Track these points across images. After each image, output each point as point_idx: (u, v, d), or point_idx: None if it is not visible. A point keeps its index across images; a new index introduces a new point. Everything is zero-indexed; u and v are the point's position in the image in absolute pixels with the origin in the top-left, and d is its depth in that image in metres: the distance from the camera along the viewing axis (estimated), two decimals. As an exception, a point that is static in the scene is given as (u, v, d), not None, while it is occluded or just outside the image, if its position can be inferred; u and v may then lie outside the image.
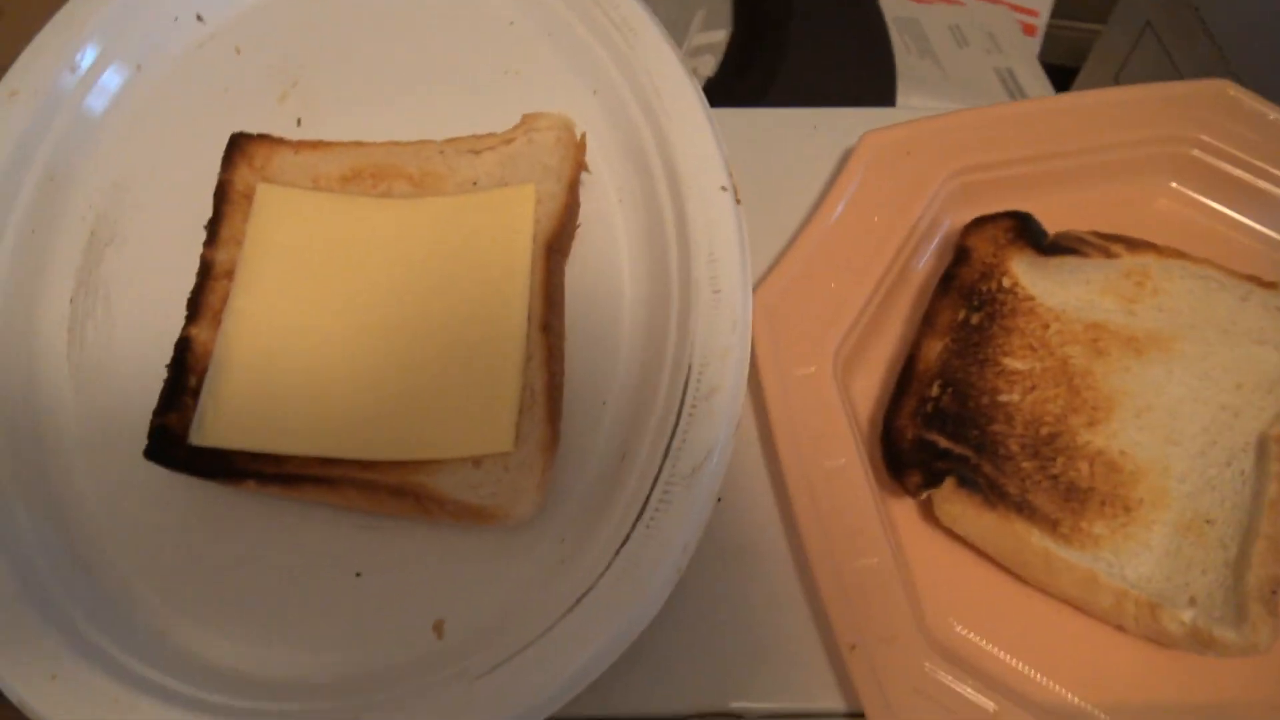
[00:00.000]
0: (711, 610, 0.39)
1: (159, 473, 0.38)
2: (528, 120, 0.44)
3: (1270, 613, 0.34)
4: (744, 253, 0.40)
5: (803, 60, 0.71)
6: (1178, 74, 0.66)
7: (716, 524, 0.40)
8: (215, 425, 0.38)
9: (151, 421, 0.38)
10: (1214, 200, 0.46)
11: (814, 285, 0.42)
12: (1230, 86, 0.46)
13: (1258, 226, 0.46)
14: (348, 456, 0.37)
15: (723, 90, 0.70)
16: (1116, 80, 0.73)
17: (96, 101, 0.45)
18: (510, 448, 0.37)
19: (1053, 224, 0.44)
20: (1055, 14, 0.88)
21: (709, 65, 0.73)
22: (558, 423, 0.38)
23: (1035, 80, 0.81)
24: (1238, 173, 0.45)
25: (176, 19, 0.47)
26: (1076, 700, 0.37)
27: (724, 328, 0.39)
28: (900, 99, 0.74)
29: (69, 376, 0.41)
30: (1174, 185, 0.47)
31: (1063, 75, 0.83)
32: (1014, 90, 0.80)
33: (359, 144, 0.44)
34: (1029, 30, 0.88)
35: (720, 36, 0.74)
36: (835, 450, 0.38)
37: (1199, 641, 0.34)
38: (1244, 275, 0.42)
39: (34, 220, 0.43)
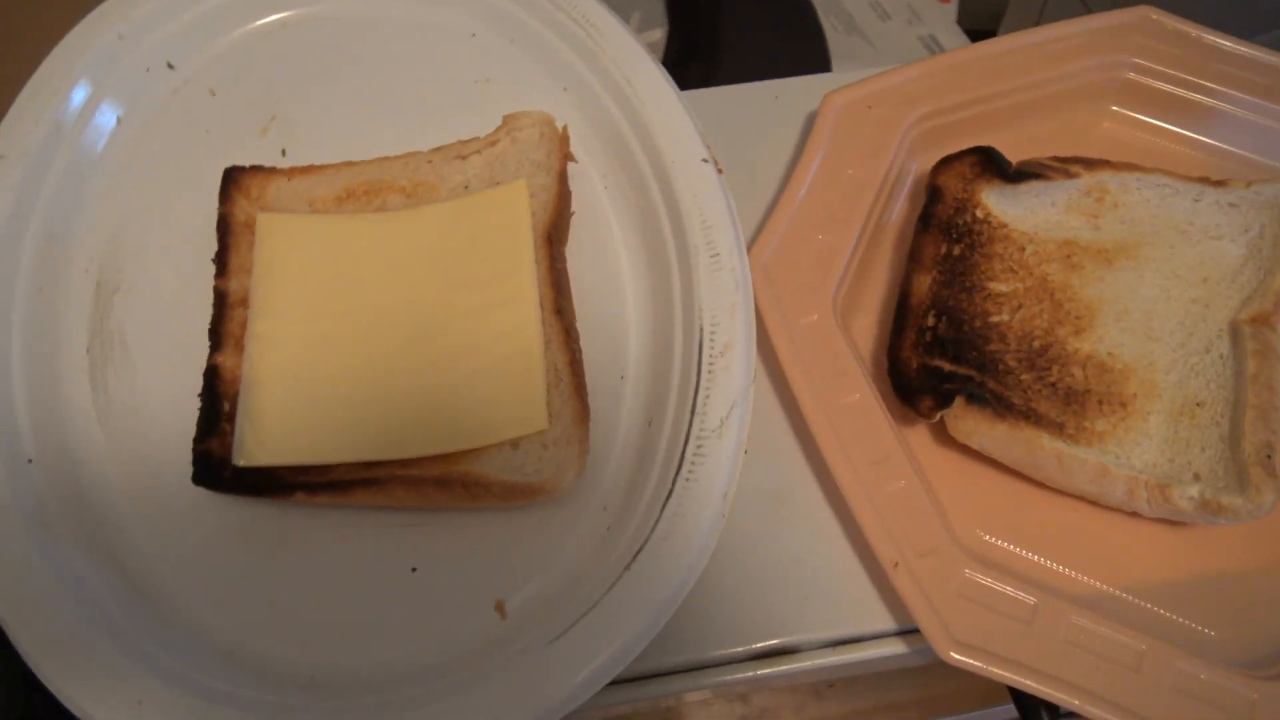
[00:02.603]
0: (755, 554, 0.41)
1: (205, 499, 0.39)
2: (509, 120, 0.46)
3: (1269, 474, 0.37)
4: (733, 217, 0.42)
5: (739, 49, 0.74)
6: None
7: (746, 473, 0.42)
8: (257, 444, 0.39)
9: (194, 449, 0.39)
10: (1153, 117, 0.49)
11: (803, 240, 0.44)
12: (1152, 11, 0.49)
13: (1196, 136, 0.49)
14: (391, 457, 0.39)
15: (668, 85, 0.73)
16: (1035, 30, 0.77)
17: (83, 156, 0.46)
18: (545, 425, 0.39)
19: (1012, 156, 0.47)
20: (966, -21, 0.92)
21: (651, 64, 0.75)
22: (585, 396, 0.40)
23: (958, 43, 0.85)
24: (1170, 88, 0.48)
25: (149, 69, 0.48)
26: (1104, 586, 0.39)
27: (727, 287, 0.41)
28: (834, 77, 0.77)
29: (97, 423, 0.41)
30: (1115, 108, 0.50)
31: (981, 38, 0.87)
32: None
33: (349, 164, 0.46)
34: (944, -2, 0.92)
35: (658, 35, 0.76)
36: (848, 388, 0.41)
37: (1209, 512, 0.37)
38: (1194, 178, 0.45)
39: (40, 279, 0.43)
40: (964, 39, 0.86)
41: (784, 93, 0.51)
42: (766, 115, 0.51)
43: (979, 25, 0.91)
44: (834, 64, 0.78)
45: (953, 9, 0.92)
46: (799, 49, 0.76)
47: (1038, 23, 0.77)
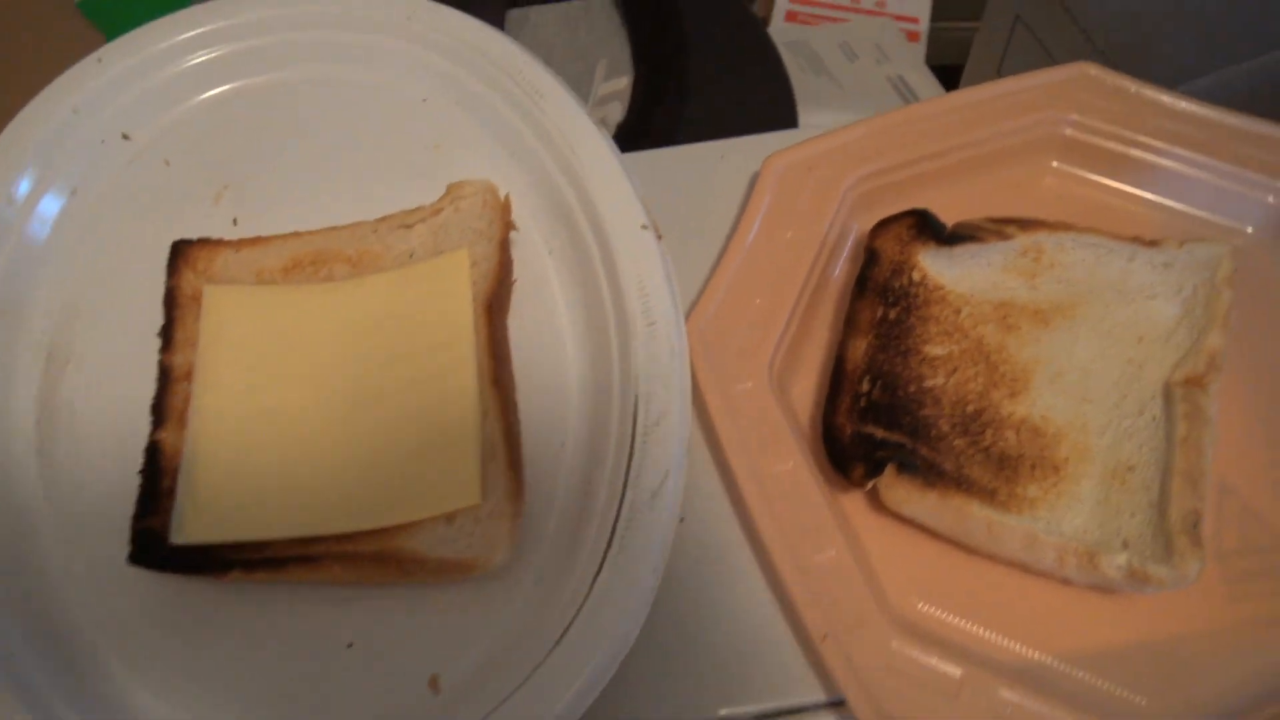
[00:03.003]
0: (691, 623, 0.41)
1: (145, 576, 0.39)
2: (453, 189, 0.46)
3: (1194, 543, 0.37)
4: (671, 283, 0.43)
5: (705, 94, 0.75)
6: (1051, 60, 0.71)
7: (682, 542, 0.42)
8: (194, 522, 0.39)
9: (132, 527, 0.39)
10: (1093, 173, 0.50)
11: (741, 305, 0.44)
12: (1091, 67, 0.50)
13: (1136, 191, 0.49)
14: (326, 532, 0.39)
15: (635, 133, 0.73)
16: (999, 72, 0.78)
17: (37, 229, 0.47)
18: (479, 500, 0.39)
19: (953, 215, 0.47)
20: (934, 17, 0.93)
21: (617, 111, 0.76)
22: (520, 470, 0.40)
23: (925, 82, 0.86)
24: (1109, 144, 0.49)
25: (104, 141, 0.49)
26: (1036, 654, 0.39)
27: (663, 356, 0.41)
28: (803, 118, 0.78)
29: (43, 497, 0.42)
30: (1055, 164, 0.50)
31: (950, 73, 0.88)
32: (907, 95, 0.84)
33: (296, 234, 0.46)
34: (913, 37, 0.92)
35: (624, 83, 0.77)
36: (782, 455, 0.41)
37: (1136, 580, 0.37)
38: (1128, 237, 0.45)
39: (-9, 351, 0.44)
40: (931, 78, 0.86)
41: (729, 152, 0.52)
42: (713, 176, 0.51)
43: (947, 60, 0.92)
44: (801, 107, 0.78)
45: (921, 48, 0.93)
46: (765, 96, 0.77)
47: (1000, 60, 0.78)
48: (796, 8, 0.96)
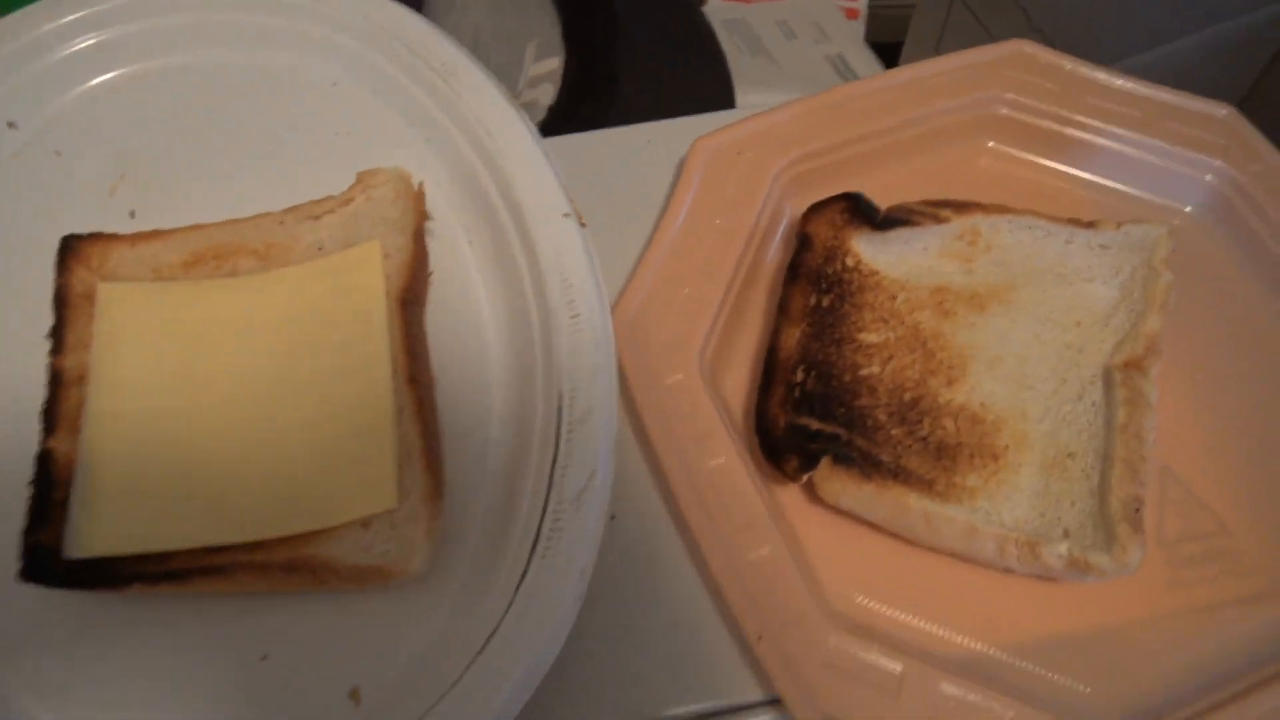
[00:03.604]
0: (622, 626, 0.39)
1: (38, 593, 0.37)
2: (363, 178, 0.44)
3: (1135, 530, 0.36)
4: (595, 274, 0.41)
5: (637, 76, 0.73)
6: (990, 38, 0.70)
7: (614, 542, 0.41)
8: (90, 534, 0.37)
9: (23, 542, 0.37)
10: (1029, 153, 0.49)
11: (669, 294, 0.43)
12: (1026, 44, 0.49)
13: (1072, 170, 0.49)
14: (233, 541, 0.37)
15: (566, 115, 0.71)
16: (937, 49, 0.77)
17: (-86, 226, 0.44)
18: (394, 504, 0.37)
19: (889, 197, 0.46)
20: (872, -5, 0.92)
21: (548, 94, 0.74)
22: (439, 471, 0.38)
23: (864, 61, 0.85)
24: (1045, 124, 0.48)
25: (-12, 130, 0.46)
26: (978, 646, 0.38)
27: (587, 349, 0.39)
28: (740, 98, 0.76)
29: (-75, 514, 0.39)
30: (991, 144, 0.49)
31: (890, 51, 0.87)
32: (846, 74, 0.83)
33: (197, 227, 0.44)
34: (851, 14, 0.91)
35: (554, 64, 0.75)
36: (714, 450, 0.39)
37: (1078, 569, 0.36)
38: (1065, 219, 0.44)
39: None
40: (871, 56, 0.86)
41: (657, 136, 0.50)
42: (641, 161, 0.50)
43: (887, 38, 0.91)
44: (738, 87, 0.77)
45: (860, 25, 0.92)
46: (700, 76, 0.75)
47: (939, 38, 0.77)
48: (734, -14, 0.94)
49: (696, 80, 0.75)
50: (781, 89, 0.81)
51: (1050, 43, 0.61)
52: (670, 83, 0.74)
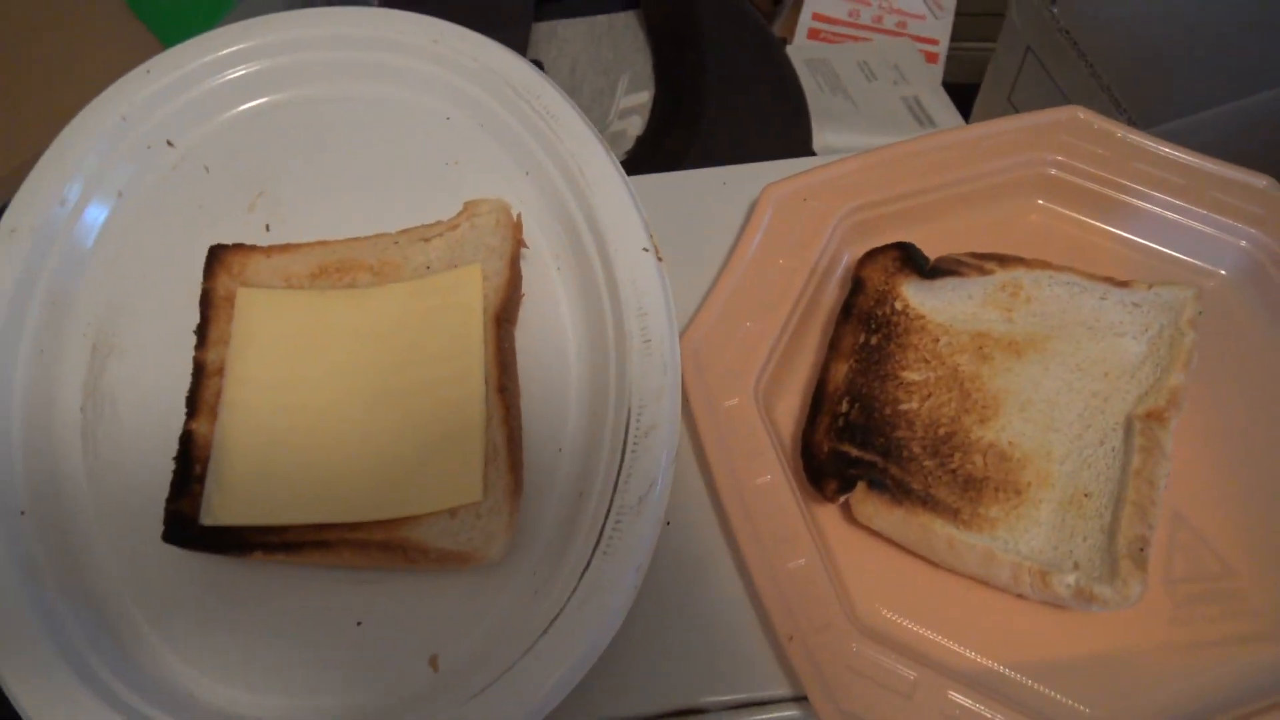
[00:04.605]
0: (670, 619, 0.44)
1: (176, 553, 0.43)
2: (469, 207, 0.50)
3: (1138, 567, 0.40)
4: (668, 304, 0.46)
5: (723, 111, 0.78)
6: (1059, 91, 0.73)
7: (668, 544, 0.46)
8: (222, 506, 0.43)
9: (165, 508, 0.43)
10: (1076, 212, 0.53)
11: (732, 326, 0.48)
12: (1080, 111, 0.53)
13: (1116, 230, 0.52)
14: (340, 520, 0.43)
15: (651, 147, 0.77)
16: (1010, 98, 0.80)
17: (86, 230, 0.51)
18: (480, 497, 0.43)
19: (944, 247, 0.50)
20: (953, 38, 0.96)
21: (636, 125, 0.79)
22: (520, 471, 0.44)
23: (940, 105, 0.88)
24: (1093, 186, 0.52)
25: (149, 147, 0.53)
26: (990, 663, 0.42)
27: (656, 372, 0.44)
28: (816, 136, 0.80)
29: (86, 477, 0.46)
30: (1041, 202, 0.53)
31: (965, 92, 0.90)
32: (921, 116, 0.87)
33: (323, 243, 0.50)
34: (931, 58, 0.95)
35: (644, 98, 0.80)
36: (762, 469, 0.44)
37: (1083, 599, 0.40)
38: (1102, 277, 0.48)
39: (41, 342, 0.48)
40: (947, 101, 0.89)
41: (732, 179, 0.55)
42: (716, 201, 0.55)
43: (964, 80, 0.94)
44: (815, 124, 0.81)
45: (939, 69, 0.95)
46: (780, 114, 0.79)
47: (1011, 88, 0.80)
48: (819, 25, 0.99)
49: (777, 118, 0.79)
50: (858, 128, 0.85)
51: (1115, 98, 0.64)
52: (752, 119, 0.78)
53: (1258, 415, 0.47)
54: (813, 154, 0.75)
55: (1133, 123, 0.63)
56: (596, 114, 0.83)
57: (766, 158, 0.60)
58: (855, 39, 0.97)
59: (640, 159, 0.76)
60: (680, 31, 0.80)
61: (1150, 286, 0.47)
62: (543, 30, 0.84)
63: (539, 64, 0.84)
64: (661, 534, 0.45)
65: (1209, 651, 0.42)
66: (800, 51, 0.92)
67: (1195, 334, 0.45)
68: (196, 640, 0.43)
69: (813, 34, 0.98)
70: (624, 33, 0.83)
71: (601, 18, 0.84)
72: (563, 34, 0.84)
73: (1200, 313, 0.46)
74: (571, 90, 0.84)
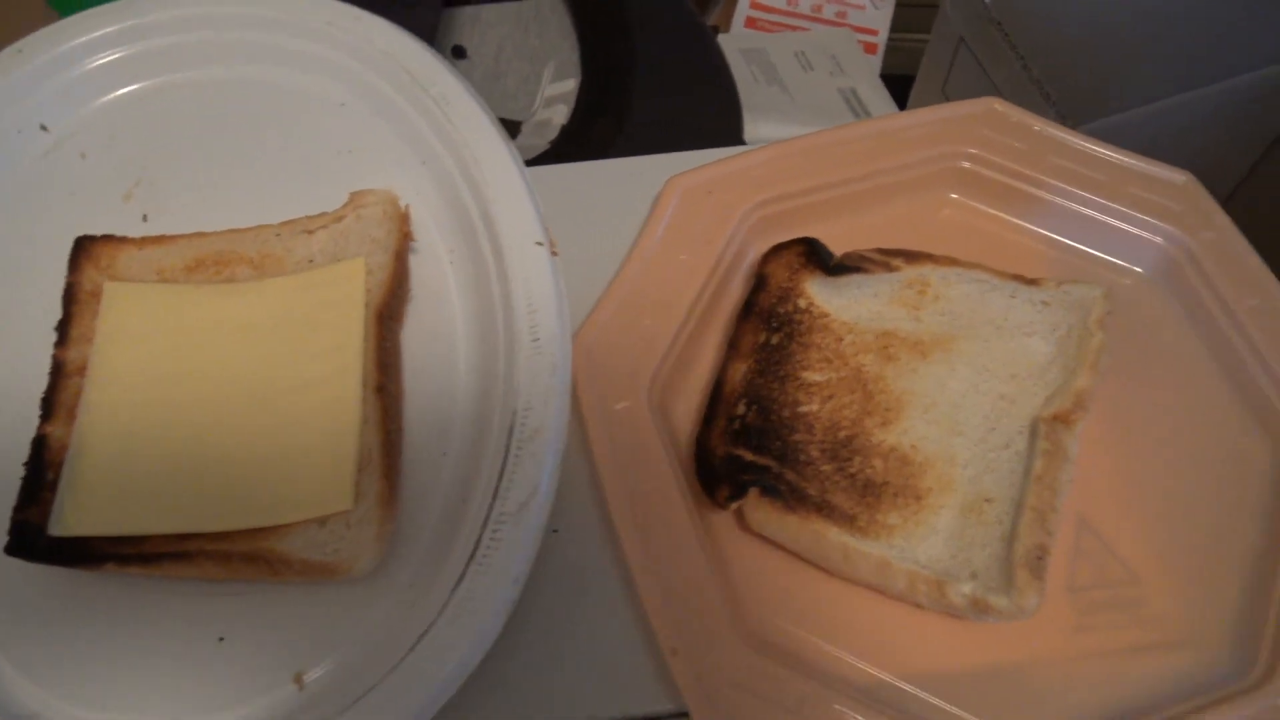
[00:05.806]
0: (556, 632, 0.42)
1: (21, 566, 0.40)
2: (355, 198, 0.47)
3: (1036, 577, 0.38)
4: (560, 301, 0.44)
5: (651, 101, 0.76)
6: (991, 83, 0.71)
7: (556, 553, 0.44)
8: (73, 515, 0.40)
9: (12, 518, 0.41)
10: (990, 207, 0.51)
11: (628, 324, 0.46)
12: (997, 103, 0.51)
13: (1030, 226, 0.50)
14: (201, 530, 0.40)
15: (577, 135, 0.74)
16: (943, 90, 0.78)
17: (-55, 219, 0.48)
18: (350, 505, 0.40)
19: (853, 243, 0.48)
20: (894, 29, 0.94)
21: (562, 113, 0.77)
22: (395, 478, 0.41)
23: (876, 97, 0.86)
24: (1007, 180, 0.50)
25: (20, 131, 0.50)
26: (885, 676, 0.41)
27: (544, 372, 0.42)
28: (749, 128, 0.78)
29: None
30: (954, 196, 0.51)
31: (905, 84, 0.88)
32: (857, 108, 0.85)
33: (200, 235, 0.47)
34: (870, 49, 0.93)
35: (570, 86, 0.78)
36: (652, 475, 0.42)
37: (978, 610, 0.39)
38: (1011, 275, 0.46)
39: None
40: (883, 92, 0.87)
41: (643, 170, 0.53)
42: (622, 194, 0.52)
43: (901, 70, 0.93)
44: (747, 116, 0.79)
45: (878, 60, 0.94)
46: (710, 103, 0.78)
47: (945, 79, 0.78)
48: (757, 14, 0.97)
49: (706, 108, 0.77)
50: (792, 120, 0.83)
51: (1043, 90, 0.63)
52: (681, 109, 0.76)
53: (1164, 418, 0.46)
54: (744, 145, 0.73)
55: (1062, 118, 0.61)
56: (522, 101, 0.81)
57: (695, 149, 0.58)
58: (794, 28, 0.95)
59: (566, 148, 0.73)
60: (607, 18, 0.77)
61: (1059, 285, 0.45)
62: (467, 15, 0.82)
63: (461, 50, 0.82)
64: (550, 542, 0.44)
65: (1113, 660, 0.41)
66: (736, 41, 0.90)
67: (1104, 334, 0.43)
68: (44, 658, 0.40)
69: (750, 23, 0.96)
70: (550, 18, 0.81)
71: (528, 2, 0.82)
72: (487, 18, 0.81)
73: (1109, 312, 0.44)
74: (496, 77, 0.81)
